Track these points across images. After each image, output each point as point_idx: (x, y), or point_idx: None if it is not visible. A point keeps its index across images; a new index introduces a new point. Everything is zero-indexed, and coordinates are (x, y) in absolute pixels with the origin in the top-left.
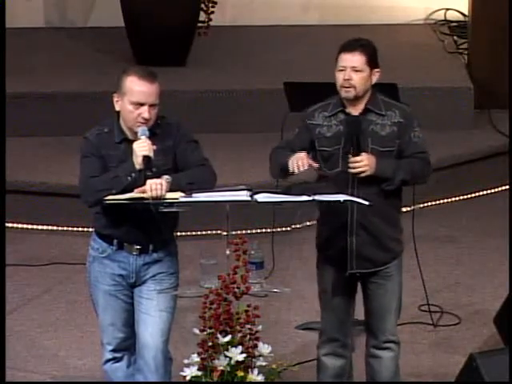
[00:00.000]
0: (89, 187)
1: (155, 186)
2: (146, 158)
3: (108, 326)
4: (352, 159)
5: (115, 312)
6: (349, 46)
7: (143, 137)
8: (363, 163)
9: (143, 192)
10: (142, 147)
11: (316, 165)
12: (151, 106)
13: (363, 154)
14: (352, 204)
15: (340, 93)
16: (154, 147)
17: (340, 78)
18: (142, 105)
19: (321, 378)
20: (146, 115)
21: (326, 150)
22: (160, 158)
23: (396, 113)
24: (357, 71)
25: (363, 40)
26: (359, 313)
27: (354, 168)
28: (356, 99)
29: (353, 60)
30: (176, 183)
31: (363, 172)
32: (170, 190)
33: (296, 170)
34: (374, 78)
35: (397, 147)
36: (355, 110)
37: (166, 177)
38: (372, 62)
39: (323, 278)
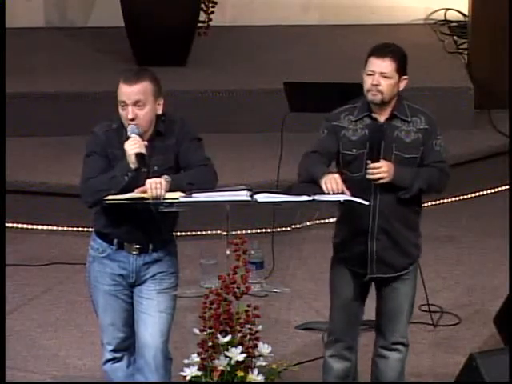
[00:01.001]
0: (88, 187)
1: (155, 186)
2: (138, 156)
3: (108, 325)
4: (371, 165)
5: (115, 312)
6: (379, 51)
7: (133, 135)
8: (382, 169)
9: (143, 192)
10: (133, 145)
11: (348, 192)
12: (137, 105)
13: (382, 160)
14: (374, 208)
15: (366, 96)
16: (145, 143)
17: (368, 82)
18: (127, 105)
19: (325, 379)
20: (129, 115)
21: (351, 154)
22: (160, 157)
23: (421, 119)
24: (385, 77)
25: (394, 46)
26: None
27: (372, 174)
28: (382, 104)
29: (382, 66)
30: (177, 183)
31: (381, 178)
32: (170, 190)
33: (330, 192)
34: (402, 85)
35: (420, 154)
36: (381, 116)
37: (166, 176)
38: (401, 69)
39: (337, 278)
